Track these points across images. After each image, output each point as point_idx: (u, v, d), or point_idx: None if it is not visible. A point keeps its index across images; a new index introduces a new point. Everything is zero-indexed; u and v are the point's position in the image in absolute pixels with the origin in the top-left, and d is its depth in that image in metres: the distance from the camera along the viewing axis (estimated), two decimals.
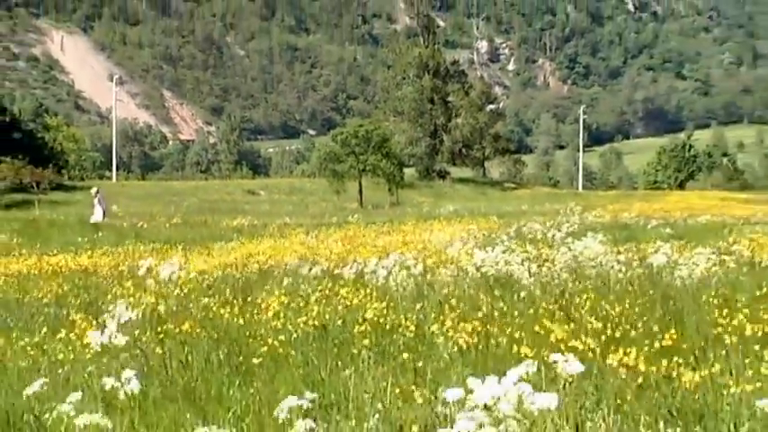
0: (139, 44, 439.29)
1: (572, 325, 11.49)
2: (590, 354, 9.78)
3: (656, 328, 11.01)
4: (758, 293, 13.32)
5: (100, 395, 8.99)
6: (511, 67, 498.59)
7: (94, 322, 13.40)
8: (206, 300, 15.39)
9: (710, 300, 12.95)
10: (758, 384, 8.24)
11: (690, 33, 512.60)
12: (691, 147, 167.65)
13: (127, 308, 8.15)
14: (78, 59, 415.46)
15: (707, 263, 16.16)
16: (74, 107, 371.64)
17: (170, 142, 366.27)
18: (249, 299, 15.21)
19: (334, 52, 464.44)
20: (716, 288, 14.29)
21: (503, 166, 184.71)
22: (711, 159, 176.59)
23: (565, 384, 8.36)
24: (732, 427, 7.37)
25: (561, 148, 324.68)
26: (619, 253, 17.63)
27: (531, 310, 12.82)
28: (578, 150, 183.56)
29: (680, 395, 8.39)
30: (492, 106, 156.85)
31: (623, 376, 8.99)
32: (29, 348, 12.19)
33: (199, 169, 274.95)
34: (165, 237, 36.84)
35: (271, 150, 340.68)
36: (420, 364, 10.29)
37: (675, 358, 9.56)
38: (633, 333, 10.93)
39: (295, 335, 11.98)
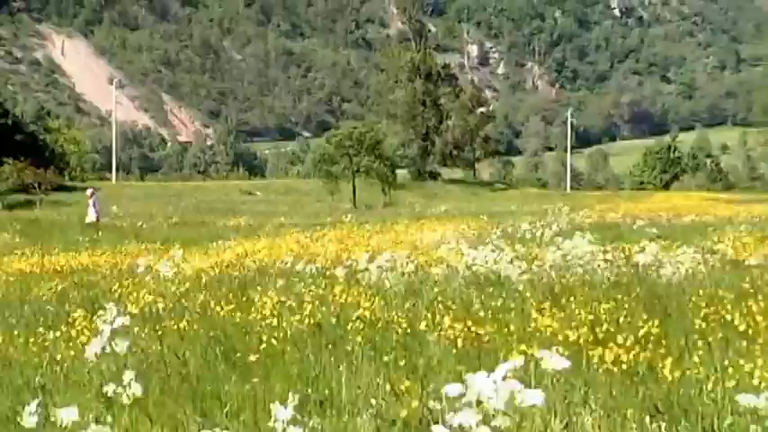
0: (139, 48, 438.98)
1: (562, 314, 11.50)
2: (578, 349, 9.78)
3: (641, 325, 11.02)
4: (741, 291, 13.33)
5: (100, 392, 8.98)
6: (500, 70, 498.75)
7: (95, 319, 13.38)
8: (203, 298, 15.37)
9: (695, 297, 12.96)
10: (743, 381, 8.25)
11: (675, 38, 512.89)
12: (675, 148, 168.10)
13: (120, 313, 8.07)
14: (79, 63, 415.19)
15: (691, 262, 16.17)
16: (75, 110, 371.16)
17: (169, 144, 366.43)
18: (245, 297, 15.20)
19: (328, 56, 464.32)
20: (700, 286, 14.30)
21: (493, 167, 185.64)
22: (696, 161, 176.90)
23: (553, 380, 8.37)
24: (716, 420, 7.37)
25: (550, 149, 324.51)
26: (606, 252, 17.62)
27: (521, 308, 12.83)
28: (566, 152, 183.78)
29: (665, 390, 8.39)
30: (482, 109, 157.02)
31: (610, 371, 8.99)
32: (31, 346, 12.17)
33: (197, 170, 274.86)
34: (163, 236, 36.83)
35: (267, 152, 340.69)
36: (412, 360, 10.29)
37: (661, 354, 9.57)
38: (620, 330, 10.94)
39: (290, 332, 11.96)
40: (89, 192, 51.03)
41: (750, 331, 10.51)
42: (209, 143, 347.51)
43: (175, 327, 12.71)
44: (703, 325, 10.96)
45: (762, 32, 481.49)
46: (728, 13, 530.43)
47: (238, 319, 13.14)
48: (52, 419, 5.69)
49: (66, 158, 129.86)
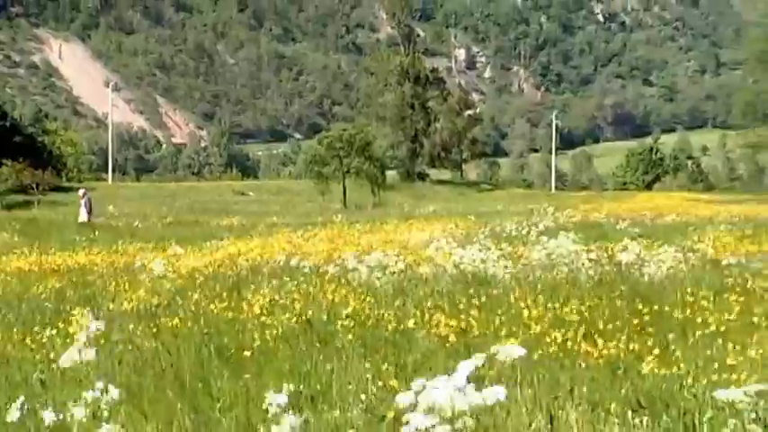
0: (134, 52, 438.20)
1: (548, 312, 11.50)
2: (565, 345, 9.80)
3: (624, 322, 11.04)
4: (720, 289, 13.36)
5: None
6: (487, 74, 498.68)
7: (90, 316, 13.36)
8: (197, 295, 15.36)
9: (676, 295, 12.98)
10: (722, 375, 8.27)
11: (656, 43, 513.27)
12: (657, 150, 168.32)
13: (96, 318, 8.07)
14: (76, 67, 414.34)
15: (673, 260, 16.19)
16: (72, 112, 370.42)
17: (163, 146, 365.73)
18: (238, 294, 15.18)
19: (319, 60, 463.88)
20: (681, 284, 14.32)
21: (480, 168, 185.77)
22: (677, 162, 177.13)
23: (538, 376, 8.38)
24: (697, 415, 7.38)
25: (535, 151, 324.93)
26: (590, 251, 17.63)
27: (508, 304, 12.84)
28: (551, 153, 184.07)
29: (647, 385, 8.40)
30: (469, 112, 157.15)
31: (594, 367, 9.01)
32: (29, 343, 12.15)
33: (191, 171, 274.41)
34: (158, 236, 36.76)
35: (259, 153, 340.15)
36: (401, 357, 10.29)
37: (642, 350, 9.59)
38: (603, 326, 10.94)
39: (282, 330, 11.96)
40: (81, 192, 51.13)
41: (727, 328, 10.54)
42: (203, 145, 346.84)
43: (170, 324, 12.70)
44: (684, 322, 10.99)
45: (741, 37, 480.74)
46: (709, 19, 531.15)
47: (231, 317, 13.14)
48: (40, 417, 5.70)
49: (64, 160, 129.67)
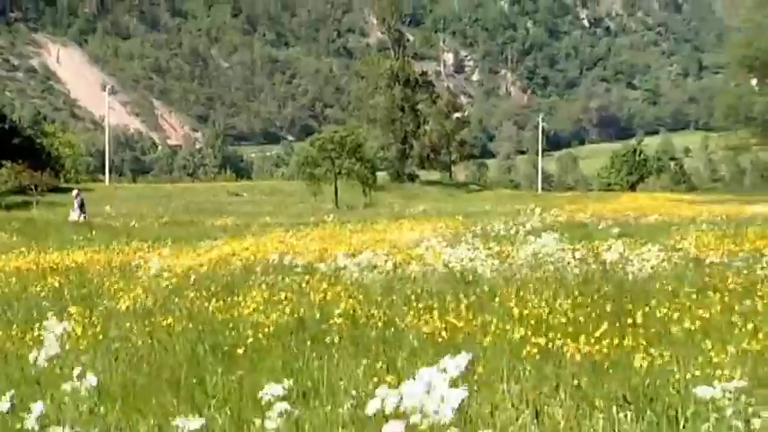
0: (131, 56, 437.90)
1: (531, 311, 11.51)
2: (550, 343, 9.80)
3: (608, 319, 11.04)
4: (702, 287, 13.38)
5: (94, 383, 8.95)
6: (475, 77, 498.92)
7: (88, 314, 13.35)
8: (192, 294, 15.34)
9: (659, 292, 12.99)
10: (705, 371, 8.27)
11: (640, 47, 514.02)
12: (641, 152, 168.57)
13: (61, 320, 8.06)
14: (74, 71, 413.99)
15: (656, 259, 16.20)
16: (69, 115, 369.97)
17: (159, 147, 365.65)
18: (232, 293, 15.17)
19: (311, 64, 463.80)
20: (664, 282, 14.33)
21: (468, 169, 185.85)
22: (660, 163, 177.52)
23: (525, 372, 8.38)
24: (679, 410, 7.38)
25: (522, 153, 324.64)
26: (575, 250, 17.63)
27: (495, 303, 12.84)
28: (538, 155, 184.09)
29: (632, 381, 8.41)
30: (458, 114, 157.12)
31: (579, 363, 9.01)
32: (27, 340, 12.12)
33: (186, 173, 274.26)
34: (154, 235, 36.68)
35: (253, 155, 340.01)
36: (391, 353, 10.28)
37: (627, 346, 9.59)
38: (587, 323, 10.95)
39: (275, 327, 11.94)
40: (74, 193, 51.45)
41: (709, 325, 10.55)
42: (197, 147, 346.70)
43: (165, 322, 12.68)
44: (667, 319, 10.99)
45: (723, 42, 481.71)
46: (691, 24, 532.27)
47: (225, 315, 13.12)
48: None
49: (62, 161, 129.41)
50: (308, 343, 11.06)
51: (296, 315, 12.64)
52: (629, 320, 10.74)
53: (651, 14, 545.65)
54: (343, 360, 9.99)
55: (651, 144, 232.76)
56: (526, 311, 11.75)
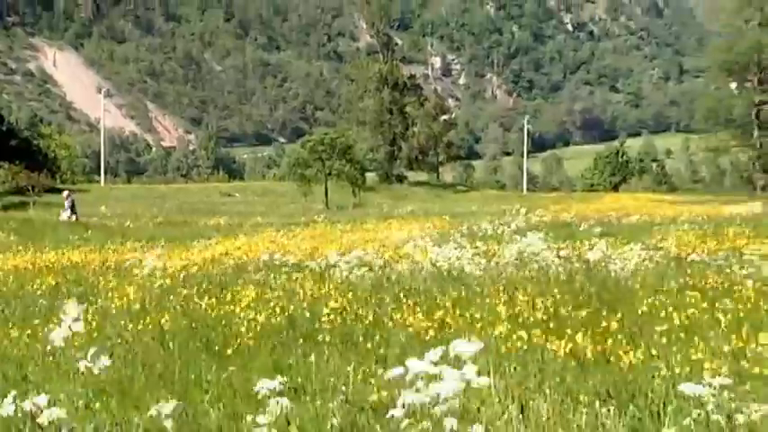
0: (125, 60, 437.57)
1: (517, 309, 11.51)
2: (535, 339, 9.80)
3: (592, 316, 11.04)
4: (683, 285, 13.39)
5: (91, 380, 8.93)
6: (462, 81, 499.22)
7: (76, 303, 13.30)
8: (185, 292, 15.31)
9: (641, 290, 13.00)
10: (686, 369, 8.28)
11: (623, 51, 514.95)
12: (624, 153, 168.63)
13: (77, 304, 8.04)
14: (70, 74, 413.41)
15: (638, 258, 16.22)
16: (66, 117, 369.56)
17: (153, 149, 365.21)
18: (225, 291, 15.14)
19: (302, 68, 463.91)
20: (646, 280, 14.34)
21: (455, 170, 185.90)
22: (642, 164, 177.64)
23: (510, 368, 8.38)
24: (661, 405, 7.38)
25: (507, 154, 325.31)
26: (559, 249, 17.64)
27: (481, 299, 12.84)
28: (523, 156, 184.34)
29: (615, 377, 8.41)
30: (445, 117, 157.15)
31: (564, 359, 9.01)
32: (24, 338, 12.10)
33: (180, 174, 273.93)
34: (149, 235, 36.65)
35: (245, 156, 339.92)
36: (380, 350, 10.27)
37: (610, 343, 9.59)
38: (572, 320, 10.95)
39: (266, 325, 11.93)
40: (65, 194, 51.76)
41: (690, 322, 10.56)
42: (191, 148, 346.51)
43: (159, 319, 12.66)
44: (648, 316, 11.00)
45: (703, 46, 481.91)
46: (672, 29, 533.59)
47: (218, 313, 13.10)
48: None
49: (58, 163, 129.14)
50: (299, 340, 11.05)
51: (287, 313, 12.62)
52: (612, 318, 10.74)
53: (633, 19, 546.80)
54: (332, 357, 9.99)
55: (633, 146, 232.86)
56: (511, 309, 11.75)
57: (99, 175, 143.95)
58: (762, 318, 10.79)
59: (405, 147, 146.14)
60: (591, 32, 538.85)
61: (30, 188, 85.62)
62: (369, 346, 10.45)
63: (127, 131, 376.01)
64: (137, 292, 15.53)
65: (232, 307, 13.24)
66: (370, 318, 11.92)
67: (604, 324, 10.45)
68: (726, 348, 9.12)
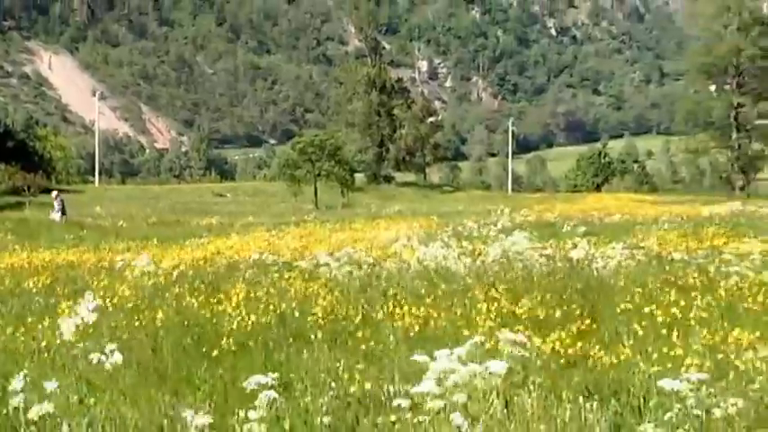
0: (120, 63, 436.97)
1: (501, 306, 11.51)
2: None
3: (576, 313, 11.05)
4: (664, 283, 13.40)
5: (85, 376, 8.91)
6: (448, 84, 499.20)
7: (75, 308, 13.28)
8: (178, 290, 15.28)
9: (623, 288, 13.01)
10: (667, 365, 8.29)
11: (605, 55, 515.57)
12: (606, 155, 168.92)
13: (94, 297, 8.06)
14: (65, 77, 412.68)
15: (620, 256, 16.24)
16: (61, 119, 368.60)
17: (147, 151, 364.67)
18: (217, 290, 15.11)
19: (292, 71, 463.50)
20: (627, 278, 14.35)
21: (442, 171, 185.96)
22: (624, 165, 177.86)
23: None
24: (642, 401, 7.40)
25: (493, 155, 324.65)
26: (543, 248, 17.65)
27: (466, 297, 12.83)
28: (508, 158, 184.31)
29: (597, 373, 8.42)
30: (432, 119, 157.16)
31: (548, 356, 9.01)
32: (19, 335, 12.06)
33: (173, 175, 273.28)
34: (142, 235, 36.55)
35: (236, 157, 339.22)
36: (368, 346, 10.27)
37: (593, 340, 9.60)
38: (556, 317, 10.96)
39: (257, 323, 11.91)
40: (54, 194, 51.99)
41: (671, 319, 10.57)
42: (183, 150, 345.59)
43: (152, 317, 12.63)
44: (630, 313, 11.01)
45: (683, 50, 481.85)
46: (653, 33, 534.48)
47: (210, 311, 13.07)
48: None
49: (54, 164, 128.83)
50: (289, 338, 11.04)
51: (277, 311, 12.61)
52: (595, 315, 10.75)
53: (615, 24, 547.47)
54: (322, 354, 9.98)
55: (615, 147, 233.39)
56: (495, 306, 11.75)
57: (94, 176, 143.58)
58: (738, 314, 10.82)
59: (392, 148, 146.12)
60: (574, 37, 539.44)
61: (26, 188, 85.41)
62: (357, 342, 10.45)
63: (121, 133, 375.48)
64: (130, 290, 15.50)
65: (224, 305, 13.21)
66: (359, 315, 11.91)
67: (587, 321, 10.46)
68: (704, 344, 9.14)
